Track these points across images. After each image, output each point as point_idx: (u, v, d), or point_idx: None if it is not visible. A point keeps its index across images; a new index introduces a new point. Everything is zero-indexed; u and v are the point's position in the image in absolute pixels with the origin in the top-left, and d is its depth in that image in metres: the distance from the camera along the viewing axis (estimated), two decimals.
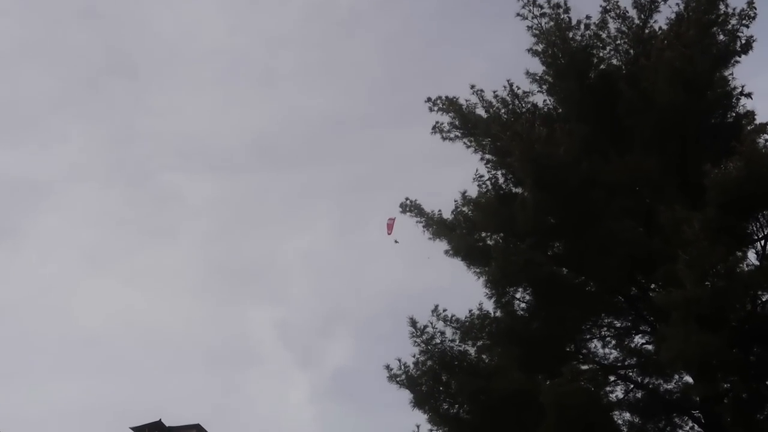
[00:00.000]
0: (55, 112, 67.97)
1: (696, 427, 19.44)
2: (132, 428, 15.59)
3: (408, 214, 20.49)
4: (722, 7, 19.70)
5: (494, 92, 20.82)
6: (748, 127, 19.34)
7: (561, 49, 19.94)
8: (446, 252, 20.36)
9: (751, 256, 19.05)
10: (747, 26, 19.86)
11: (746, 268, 17.99)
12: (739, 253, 18.18)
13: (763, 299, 17.84)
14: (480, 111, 20.62)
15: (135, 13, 65.34)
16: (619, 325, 20.32)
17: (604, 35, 20.31)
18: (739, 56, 20.06)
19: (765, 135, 18.70)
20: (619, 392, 19.84)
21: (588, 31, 20.20)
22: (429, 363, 19.04)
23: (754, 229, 19.24)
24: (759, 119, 19.58)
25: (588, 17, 20.30)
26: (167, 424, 15.68)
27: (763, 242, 19.29)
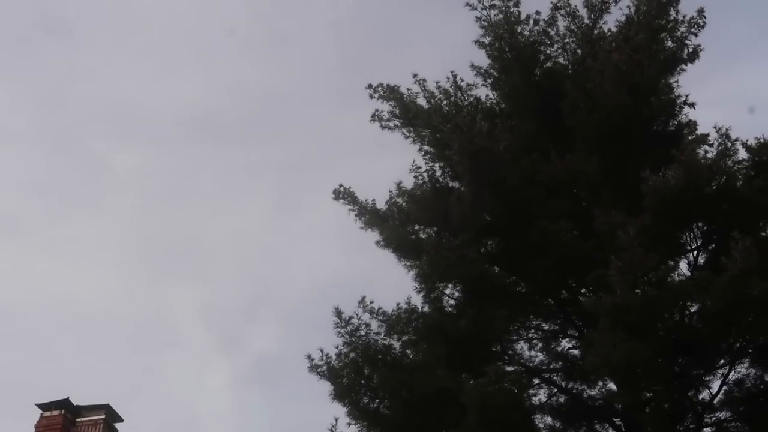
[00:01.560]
0: None
1: None
2: (37, 405, 15.32)
3: (341, 201, 20.44)
4: (673, 13, 19.85)
5: (437, 83, 20.81)
6: (690, 137, 19.64)
7: (508, 44, 19.95)
8: (377, 243, 20.33)
9: (683, 266, 19.50)
10: (695, 35, 20.07)
11: (678, 278, 18.31)
12: (672, 263, 18.49)
13: (692, 310, 18.12)
14: (421, 101, 20.61)
15: None
16: (547, 327, 20.51)
17: (552, 32, 20.42)
18: (686, 64, 20.26)
19: (705, 146, 19.02)
20: (542, 395, 20.03)
21: (537, 27, 20.28)
22: (352, 355, 18.99)
23: (688, 239, 19.52)
24: (700, 130, 19.94)
25: (538, 13, 20.37)
26: (75, 403, 15.39)
27: (695, 253, 19.62)
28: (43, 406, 15.25)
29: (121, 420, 15.56)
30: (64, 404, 15.27)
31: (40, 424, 15.08)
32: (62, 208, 68.51)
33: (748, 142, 19.59)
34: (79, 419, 15.20)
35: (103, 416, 15.23)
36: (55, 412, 15.07)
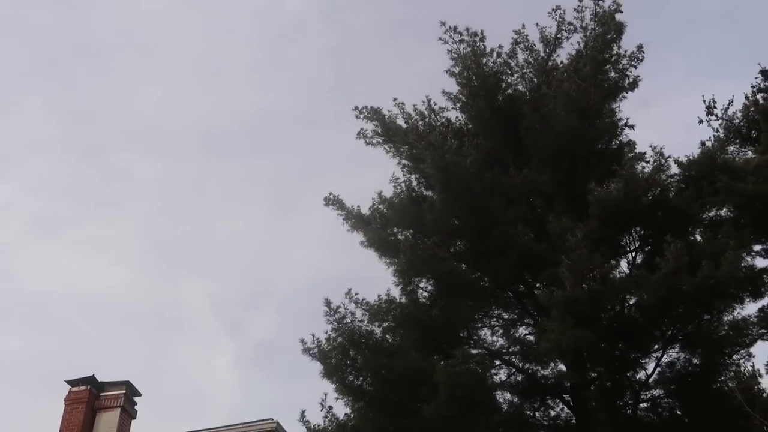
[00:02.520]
0: (17, 86, 66.11)
1: (565, 409, 19.62)
2: (67, 381, 15.25)
3: (331, 207, 20.34)
4: (615, 48, 19.85)
5: (414, 106, 20.63)
6: (629, 155, 19.67)
7: (475, 73, 19.84)
8: (362, 243, 20.19)
9: (624, 265, 19.47)
10: (635, 67, 20.10)
11: (618, 275, 18.27)
12: (614, 262, 18.44)
13: (631, 302, 18.06)
14: (400, 121, 20.41)
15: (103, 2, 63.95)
16: (506, 317, 20.29)
17: (513, 63, 20.31)
18: (627, 92, 20.25)
19: (642, 162, 19.02)
20: (502, 375, 19.84)
21: (499, 59, 20.14)
22: (339, 339, 18.88)
23: (628, 242, 19.45)
24: (639, 148, 20.01)
25: (500, 47, 20.24)
26: (99, 380, 15.32)
27: (634, 254, 19.54)
28: (72, 383, 15.17)
29: (139, 394, 15.48)
30: (90, 381, 15.18)
31: (69, 398, 14.98)
32: (88, 211, 68.44)
33: (680, 159, 19.56)
34: (103, 393, 15.13)
35: (124, 391, 15.17)
36: (82, 388, 14.99)
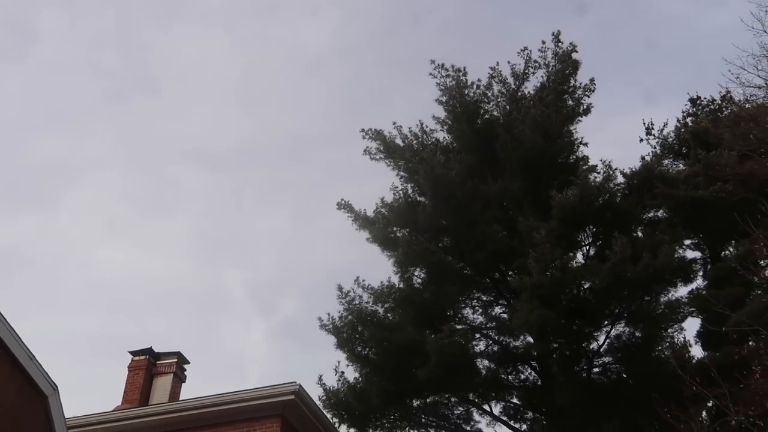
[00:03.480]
0: (93, 113, 66.59)
1: (532, 373, 19.92)
2: (130, 352, 15.42)
3: (342, 210, 20.57)
4: (572, 81, 20.13)
5: (409, 128, 20.84)
6: (583, 167, 19.97)
7: (458, 101, 20.02)
8: (367, 239, 20.37)
9: (579, 257, 19.80)
10: (588, 96, 20.36)
11: (575, 265, 18.59)
12: (571, 254, 18.70)
13: (585, 287, 18.41)
14: (398, 140, 20.63)
15: (159, 40, 64.25)
16: (484, 298, 20.56)
17: (489, 94, 20.43)
18: (581, 117, 20.46)
19: (594, 173, 19.41)
20: (481, 345, 20.17)
21: (478, 90, 20.30)
22: (349, 317, 19.14)
23: (582, 237, 19.72)
24: (591, 162, 20.31)
25: (479, 80, 20.44)
26: (156, 351, 15.51)
27: (587, 247, 19.89)
28: (134, 353, 15.26)
29: (188, 362, 15.63)
30: (148, 351, 15.29)
31: (132, 366, 15.11)
32: (149, 214, 69.02)
33: (624, 171, 19.94)
34: (159, 362, 15.22)
35: (176, 360, 15.27)
36: (142, 357, 15.09)
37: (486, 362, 19.86)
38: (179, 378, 15.24)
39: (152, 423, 11.71)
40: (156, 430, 11.68)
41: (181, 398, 14.14)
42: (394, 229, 20.00)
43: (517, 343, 19.83)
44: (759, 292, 16.72)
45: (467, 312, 20.64)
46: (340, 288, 19.48)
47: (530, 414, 20.13)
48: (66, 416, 7.71)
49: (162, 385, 14.92)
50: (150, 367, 15.09)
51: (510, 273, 18.68)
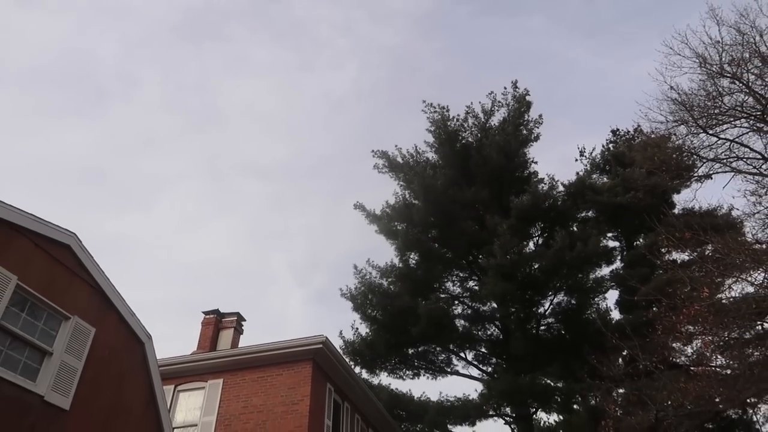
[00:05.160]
0: (177, 139, 67.18)
1: (496, 330, 19.93)
2: (203, 312, 15.37)
3: (358, 210, 20.57)
4: (526, 116, 20.11)
5: (407, 150, 20.77)
6: (534, 179, 19.93)
7: (443, 130, 20.03)
8: (376, 231, 20.33)
9: (531, 245, 19.75)
10: (537, 127, 20.33)
11: (528, 251, 18.58)
12: (525, 243, 18.73)
13: (535, 266, 18.31)
14: (399, 159, 20.62)
15: (225, 85, 64.46)
16: (461, 275, 20.45)
17: (465, 125, 20.40)
18: (533, 142, 20.40)
19: (542, 184, 19.34)
20: (459, 309, 20.09)
21: (457, 122, 20.22)
22: (362, 288, 19.12)
23: (533, 231, 19.60)
24: (540, 176, 20.29)
25: (458, 115, 20.36)
26: (221, 311, 15.45)
27: (537, 238, 19.75)
28: (206, 313, 15.21)
29: (245, 320, 15.56)
30: (216, 312, 15.23)
31: (204, 322, 15.05)
32: (216, 212, 69.55)
33: (564, 182, 19.92)
34: (223, 319, 15.17)
35: (236, 318, 15.19)
36: (211, 316, 15.03)
37: (462, 322, 19.85)
38: (238, 331, 15.15)
39: (219, 363, 11.65)
40: (222, 369, 11.62)
41: (239, 345, 14.08)
42: (395, 223, 19.96)
43: (485, 308, 19.82)
44: (660, 271, 16.74)
45: (449, 285, 20.63)
46: (355, 267, 19.52)
47: (494, 360, 20.08)
48: (157, 358, 7.65)
49: (226, 336, 14.83)
50: (217, 323, 15.01)
51: (480, 256, 18.61)
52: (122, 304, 7.12)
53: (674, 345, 14.14)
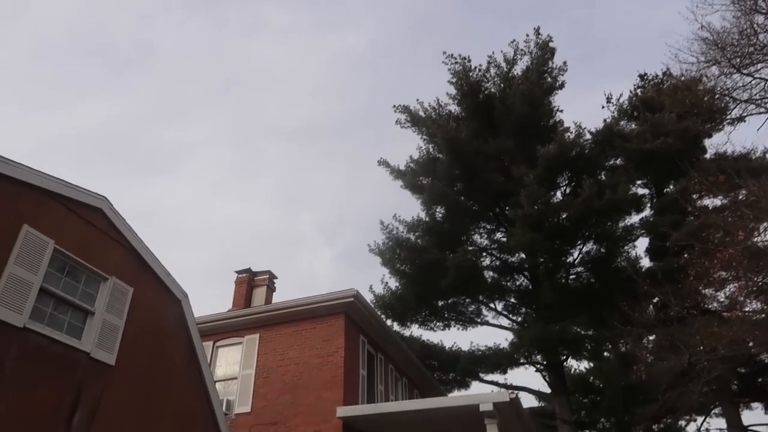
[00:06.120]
0: (201, 105, 67.41)
1: (525, 280, 19.87)
2: (236, 271, 15.60)
3: (382, 166, 20.44)
4: (550, 63, 19.47)
5: (429, 103, 20.37)
6: (560, 128, 19.39)
7: (465, 82, 19.58)
8: (401, 186, 20.29)
9: (559, 195, 19.38)
10: (562, 74, 19.76)
11: (555, 201, 18.27)
12: (552, 193, 18.40)
13: (563, 216, 18.05)
14: (421, 113, 20.29)
15: (247, 49, 64.05)
16: (488, 227, 20.27)
17: (488, 75, 19.91)
18: (557, 90, 19.88)
19: (568, 133, 18.80)
20: (487, 261, 20.05)
21: (480, 73, 19.74)
22: (390, 243, 19.14)
23: (561, 180, 19.30)
24: (566, 124, 19.82)
25: (480, 65, 19.79)
26: (254, 270, 15.66)
27: (564, 188, 19.43)
28: (238, 272, 15.43)
29: (276, 278, 15.78)
30: (248, 271, 15.44)
31: (237, 281, 15.30)
32: (244, 175, 70.31)
33: (591, 130, 19.38)
34: (256, 278, 15.39)
35: (268, 276, 15.37)
36: (244, 275, 15.25)
37: (491, 273, 19.84)
38: (271, 289, 15.37)
39: (254, 319, 11.86)
40: (257, 324, 11.84)
41: (273, 302, 14.28)
42: (420, 178, 19.79)
43: (513, 259, 19.73)
44: (692, 218, 16.36)
45: (476, 237, 20.50)
46: (382, 222, 19.47)
47: (523, 309, 20.10)
48: (195, 316, 7.78)
49: (259, 294, 15.08)
50: (250, 281, 15.24)
51: (507, 208, 18.38)
52: (157, 264, 7.20)
53: (707, 291, 13.88)
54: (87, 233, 6.22)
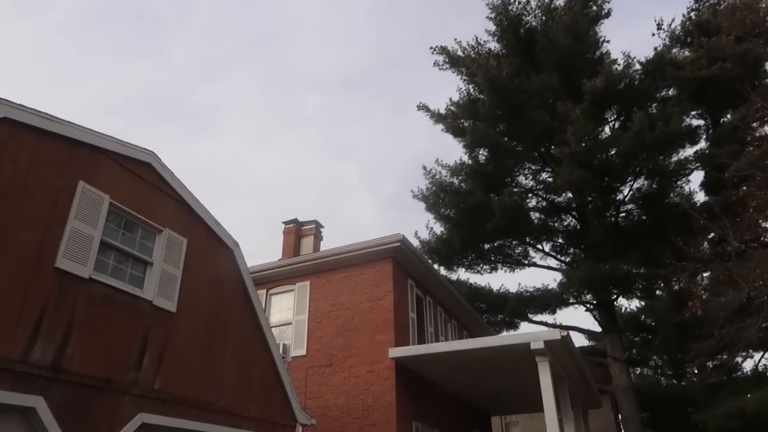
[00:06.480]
0: (240, 61, 67.54)
1: (573, 220, 19.52)
2: (283, 222, 15.89)
3: (421, 111, 20.08)
4: None
5: (467, 42, 19.63)
6: (607, 60, 18.46)
7: (504, 17, 18.76)
8: (442, 130, 19.93)
9: (607, 130, 18.70)
10: (608, 2, 18.76)
11: (604, 136, 17.63)
12: (600, 128, 17.75)
13: (612, 152, 17.44)
14: (460, 53, 19.65)
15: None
16: (534, 168, 19.74)
17: (528, 8, 18.99)
18: (603, 20, 18.85)
19: (616, 65, 17.86)
20: (533, 202, 19.69)
21: (520, 5, 18.86)
22: (433, 188, 19.07)
23: (609, 116, 18.55)
24: (613, 56, 18.88)
25: None
26: (300, 220, 15.93)
27: (614, 122, 18.72)
28: (286, 222, 15.74)
29: (323, 227, 16.05)
30: (295, 221, 15.72)
31: (285, 231, 15.62)
32: (284, 129, 71.07)
33: (641, 59, 18.38)
34: (303, 227, 15.69)
35: (314, 225, 15.64)
36: (291, 225, 15.56)
37: (537, 214, 19.54)
38: (318, 238, 15.64)
39: (304, 267, 12.14)
40: (307, 272, 12.12)
41: (320, 250, 14.55)
42: (461, 120, 19.36)
43: (560, 199, 19.33)
44: (752, 147, 15.58)
45: (521, 179, 20.11)
46: (424, 168, 19.36)
47: (572, 250, 19.84)
48: (247, 266, 8.01)
49: (307, 243, 15.39)
50: (297, 231, 15.55)
51: (552, 147, 17.81)
52: (207, 215, 7.39)
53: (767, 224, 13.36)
54: (139, 188, 6.41)
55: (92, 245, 5.59)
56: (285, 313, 12.11)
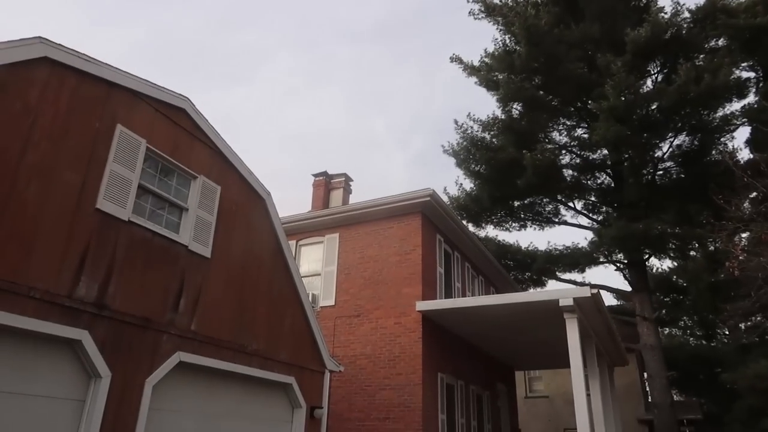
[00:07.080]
0: (267, 9, 66.83)
1: (607, 178, 19.21)
2: (313, 174, 16.03)
3: (454, 63, 19.69)
4: None
5: None
6: (654, 7, 17.72)
7: None
8: (475, 83, 19.61)
9: (649, 83, 18.08)
10: None
11: (645, 90, 17.08)
12: (642, 81, 17.17)
13: (653, 107, 16.89)
14: (496, 0, 19.20)
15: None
16: (569, 123, 19.43)
17: None
18: None
19: (663, 13, 17.12)
20: (566, 159, 19.36)
21: None
22: (464, 143, 18.91)
23: (652, 68, 17.92)
24: (660, 3, 18.02)
25: None
26: (330, 173, 16.03)
27: (656, 76, 18.09)
28: (315, 175, 15.87)
29: (352, 180, 16.13)
30: (325, 174, 15.84)
31: (315, 184, 15.77)
32: (315, 80, 70.55)
33: (690, 7, 17.58)
34: (332, 180, 15.83)
35: (344, 178, 15.73)
36: (321, 177, 15.69)
37: (570, 171, 19.25)
38: (347, 191, 15.77)
39: (333, 219, 12.31)
40: (336, 224, 12.30)
41: (349, 203, 14.69)
42: (495, 73, 18.96)
43: (595, 156, 18.98)
44: None
45: (555, 135, 19.76)
46: (456, 122, 19.26)
47: (604, 208, 19.59)
48: (278, 216, 8.17)
49: (336, 196, 15.55)
50: (327, 184, 15.70)
51: (589, 101, 17.38)
52: (240, 163, 7.51)
53: None
54: (174, 133, 6.53)
55: (131, 189, 5.77)
56: (314, 264, 12.37)
